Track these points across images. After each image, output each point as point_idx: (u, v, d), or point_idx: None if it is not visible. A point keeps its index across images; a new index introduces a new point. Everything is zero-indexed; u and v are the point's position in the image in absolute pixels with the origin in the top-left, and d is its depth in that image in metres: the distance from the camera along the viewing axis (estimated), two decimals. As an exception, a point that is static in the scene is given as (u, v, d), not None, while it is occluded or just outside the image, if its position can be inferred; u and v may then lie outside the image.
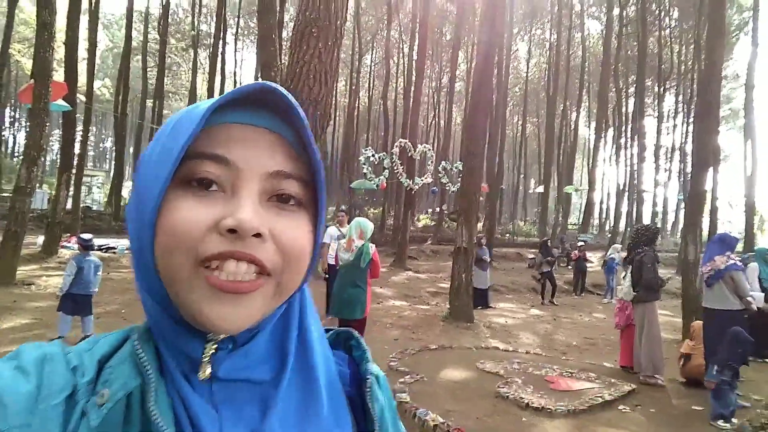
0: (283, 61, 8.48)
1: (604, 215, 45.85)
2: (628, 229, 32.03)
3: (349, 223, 9.12)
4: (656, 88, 35.20)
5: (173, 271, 0.44)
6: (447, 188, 19.20)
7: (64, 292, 5.86)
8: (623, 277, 6.80)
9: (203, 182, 0.46)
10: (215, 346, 0.48)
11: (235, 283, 0.44)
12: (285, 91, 0.47)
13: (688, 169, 33.54)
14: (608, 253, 15.38)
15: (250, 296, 0.45)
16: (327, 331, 0.61)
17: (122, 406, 0.45)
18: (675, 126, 40.96)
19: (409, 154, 17.53)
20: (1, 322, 6.81)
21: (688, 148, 35.99)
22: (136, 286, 0.50)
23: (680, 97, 38.51)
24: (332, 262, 8.70)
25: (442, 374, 5.72)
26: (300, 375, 0.52)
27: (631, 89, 37.05)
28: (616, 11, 30.29)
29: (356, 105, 34.70)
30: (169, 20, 29.35)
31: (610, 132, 40.78)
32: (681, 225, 27.04)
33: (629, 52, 34.83)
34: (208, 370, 0.47)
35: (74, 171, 15.87)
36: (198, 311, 0.44)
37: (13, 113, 47.22)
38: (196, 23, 31.47)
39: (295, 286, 0.50)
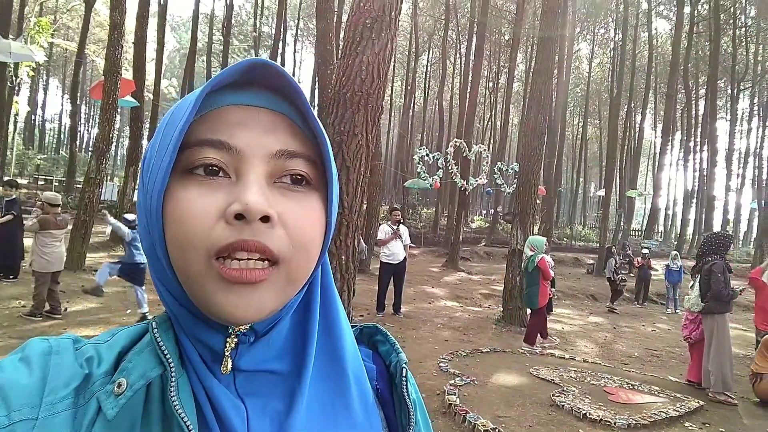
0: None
1: (669, 222, 43.89)
2: (696, 237, 30.43)
3: (402, 222, 9.14)
4: (729, 90, 33.24)
5: (187, 266, 0.43)
6: (502, 189, 18.78)
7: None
8: (690, 287, 6.37)
9: (206, 169, 0.44)
10: (236, 339, 0.47)
11: (245, 271, 0.42)
12: (280, 66, 0.45)
13: (765, 175, 31.61)
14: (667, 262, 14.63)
15: (261, 286, 0.44)
16: (351, 327, 0.59)
17: (141, 397, 0.44)
18: (750, 129, 38.73)
19: (464, 155, 17.26)
20: (70, 305, 7.21)
21: (765, 153, 33.94)
22: (152, 277, 0.49)
23: (756, 99, 36.34)
24: (385, 260, 8.65)
25: (493, 378, 5.54)
26: (328, 366, 0.51)
27: (702, 90, 35.20)
28: (686, 9, 28.73)
29: (411, 105, 34.59)
30: (233, 22, 30.32)
31: (678, 135, 38.95)
32: (755, 234, 25.38)
33: (700, 52, 33.02)
34: (230, 364, 0.47)
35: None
36: (210, 302, 0.43)
37: (87, 110, 50.19)
38: (257, 25, 32.40)
39: (305, 274, 0.48)
